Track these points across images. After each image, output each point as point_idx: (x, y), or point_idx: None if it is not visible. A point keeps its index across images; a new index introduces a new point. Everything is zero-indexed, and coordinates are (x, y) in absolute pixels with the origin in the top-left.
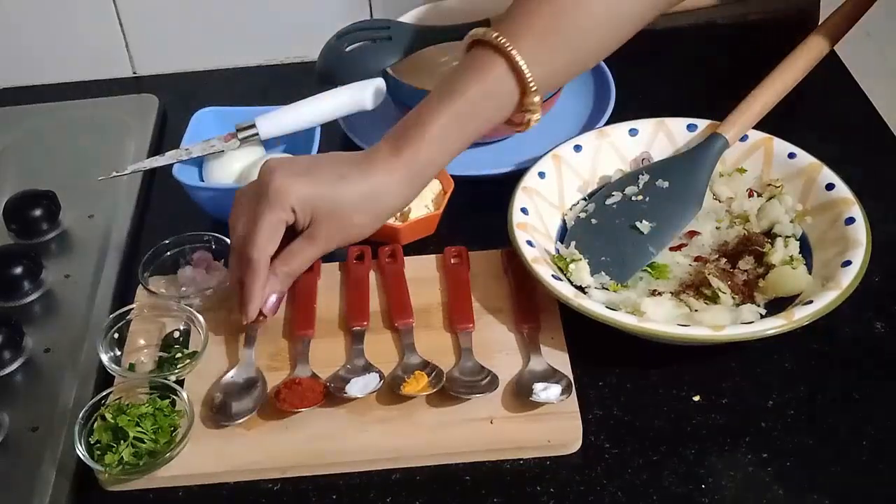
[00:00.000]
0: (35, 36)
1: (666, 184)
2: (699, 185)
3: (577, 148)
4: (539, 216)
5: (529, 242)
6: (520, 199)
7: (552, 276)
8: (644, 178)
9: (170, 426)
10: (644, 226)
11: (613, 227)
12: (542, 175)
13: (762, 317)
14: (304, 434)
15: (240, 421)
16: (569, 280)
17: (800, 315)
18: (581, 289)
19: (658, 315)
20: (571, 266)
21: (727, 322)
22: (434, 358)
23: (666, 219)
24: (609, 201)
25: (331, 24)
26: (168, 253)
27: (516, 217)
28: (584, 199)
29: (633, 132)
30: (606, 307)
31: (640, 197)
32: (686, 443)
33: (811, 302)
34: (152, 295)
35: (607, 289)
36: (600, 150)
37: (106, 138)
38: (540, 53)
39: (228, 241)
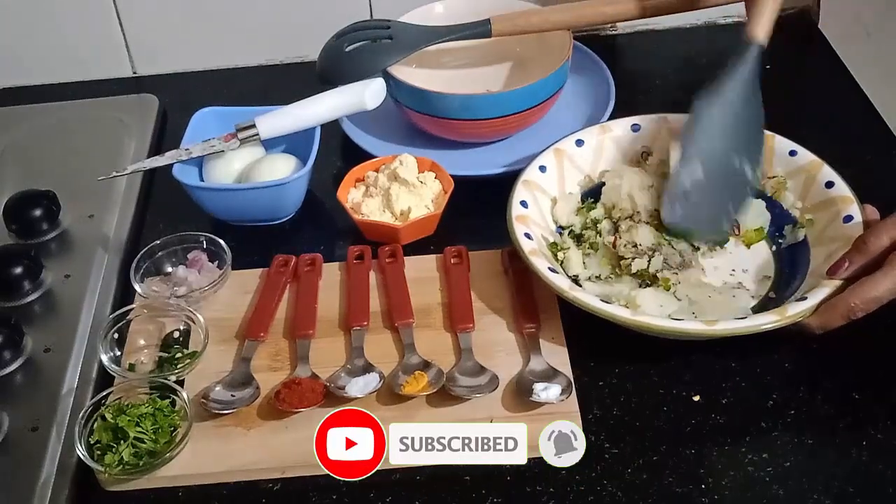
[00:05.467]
0: (35, 36)
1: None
2: (759, 112)
3: (579, 142)
4: (539, 209)
5: (528, 235)
6: (520, 192)
7: (548, 268)
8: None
9: (170, 426)
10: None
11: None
12: (542, 169)
13: (752, 298)
14: (304, 434)
15: (232, 410)
16: (563, 269)
17: (793, 311)
18: (575, 281)
19: (652, 308)
20: (560, 255)
21: (722, 309)
22: (434, 358)
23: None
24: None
25: (331, 24)
26: (161, 253)
27: (515, 210)
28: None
29: (635, 128)
30: (601, 300)
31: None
32: (686, 443)
33: (805, 298)
34: (143, 296)
35: (599, 277)
36: (602, 144)
37: (106, 138)
38: None
39: (223, 241)
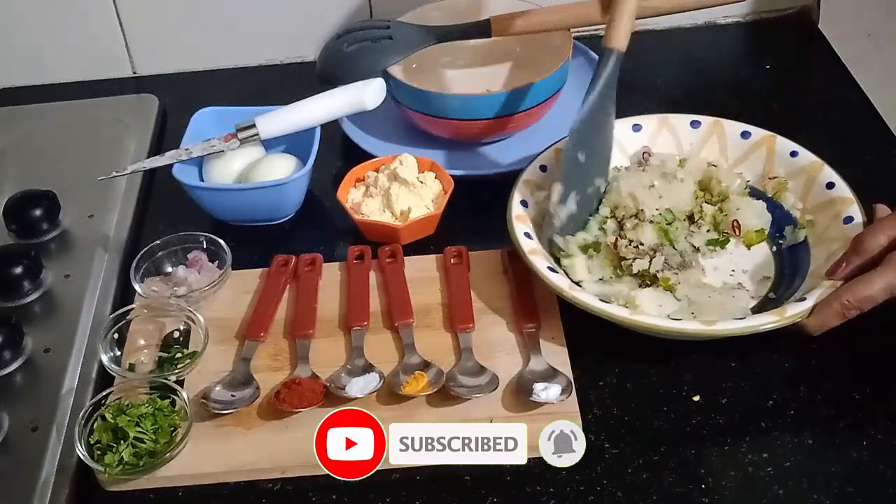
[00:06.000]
0: (35, 36)
1: (583, 155)
2: (612, 118)
3: None
4: (539, 209)
5: (527, 234)
6: (520, 191)
7: (548, 267)
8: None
9: (170, 426)
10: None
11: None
12: (543, 168)
13: (752, 299)
14: (303, 434)
15: (232, 410)
16: (565, 273)
17: (792, 312)
18: (577, 284)
19: (651, 308)
20: (566, 262)
21: (722, 309)
22: (434, 358)
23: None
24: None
25: (331, 24)
26: (161, 253)
27: (515, 209)
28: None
29: (636, 128)
30: (600, 300)
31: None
32: (686, 443)
33: (804, 299)
34: (143, 296)
35: (601, 278)
36: None
37: (106, 138)
38: None
39: (223, 241)
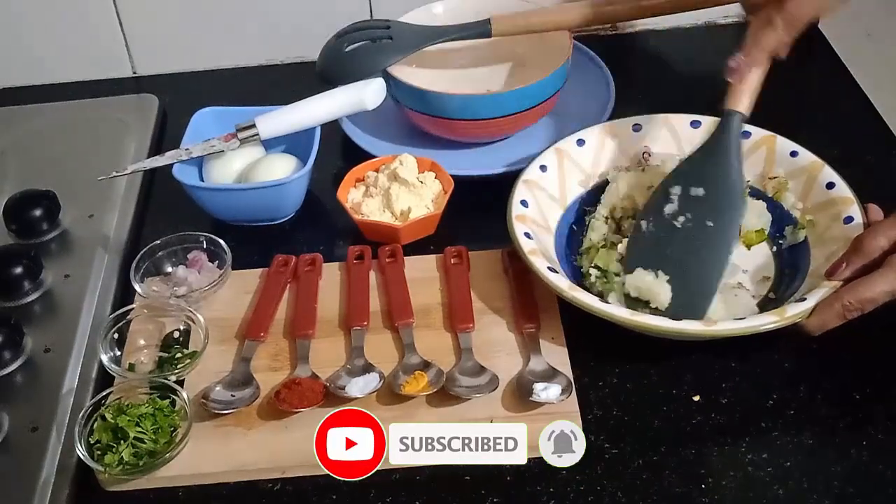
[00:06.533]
0: (35, 36)
1: (700, 190)
2: (736, 181)
3: (580, 142)
4: (539, 209)
5: (527, 234)
6: (520, 191)
7: (548, 268)
8: (675, 191)
9: (170, 426)
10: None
11: (670, 259)
12: (543, 168)
13: (752, 298)
14: (304, 434)
15: (232, 410)
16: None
17: (792, 312)
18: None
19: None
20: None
21: (722, 309)
22: (434, 358)
23: (718, 231)
24: (646, 226)
25: (331, 24)
26: (161, 253)
27: (515, 209)
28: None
29: (636, 128)
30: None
31: (681, 218)
32: (686, 443)
33: (804, 299)
34: (143, 296)
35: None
36: (603, 144)
37: (106, 138)
38: None
39: (223, 241)
